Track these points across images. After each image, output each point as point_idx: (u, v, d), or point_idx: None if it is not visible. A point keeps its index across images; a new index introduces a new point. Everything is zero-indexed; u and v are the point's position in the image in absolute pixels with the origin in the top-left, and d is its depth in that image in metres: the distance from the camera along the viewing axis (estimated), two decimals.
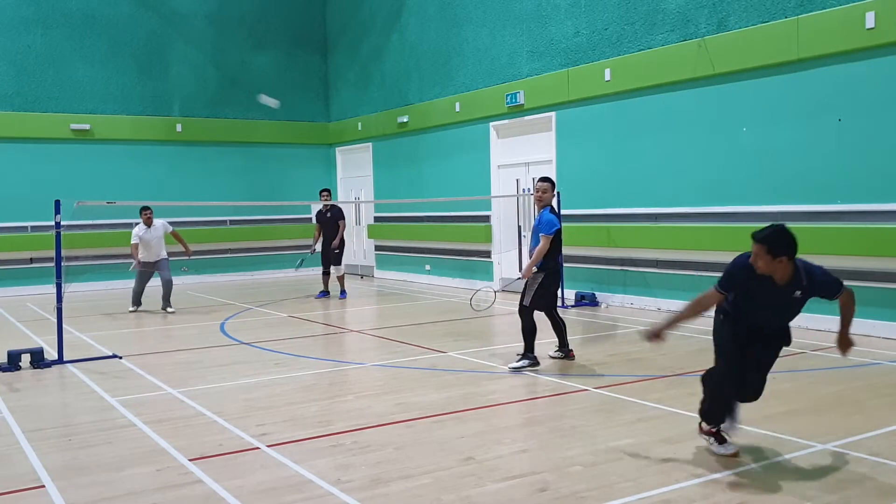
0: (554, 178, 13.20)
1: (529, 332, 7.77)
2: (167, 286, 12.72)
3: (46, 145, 16.63)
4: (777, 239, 4.47)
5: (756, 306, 4.77)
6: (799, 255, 4.57)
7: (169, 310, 12.64)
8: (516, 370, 7.63)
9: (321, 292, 14.42)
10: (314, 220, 14.91)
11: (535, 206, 8.30)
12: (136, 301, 12.97)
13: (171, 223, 13.06)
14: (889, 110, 8.94)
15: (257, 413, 6.31)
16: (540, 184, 8.01)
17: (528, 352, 7.76)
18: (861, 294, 9.17)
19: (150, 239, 12.64)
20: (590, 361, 8.08)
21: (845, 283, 4.79)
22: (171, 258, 13.05)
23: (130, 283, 13.17)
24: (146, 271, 12.81)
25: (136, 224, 12.89)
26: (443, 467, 4.87)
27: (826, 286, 4.70)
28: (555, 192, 8.14)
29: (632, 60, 11.82)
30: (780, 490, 4.34)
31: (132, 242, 12.77)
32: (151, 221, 12.65)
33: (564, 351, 8.12)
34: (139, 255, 12.70)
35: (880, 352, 8.19)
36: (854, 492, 4.31)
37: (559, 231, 7.83)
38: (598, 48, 12.45)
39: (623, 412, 6.08)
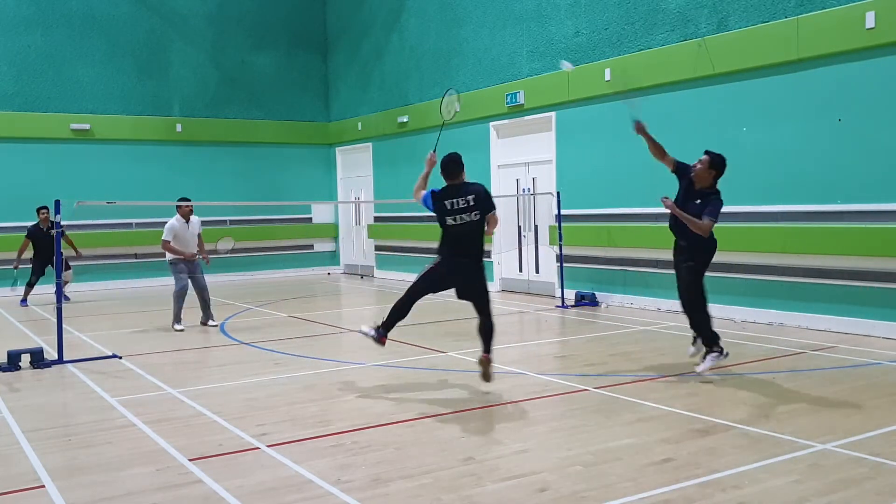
0: (554, 178, 13.37)
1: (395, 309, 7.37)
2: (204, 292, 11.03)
3: (46, 145, 16.65)
4: (718, 157, 7.64)
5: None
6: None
7: (211, 322, 11.12)
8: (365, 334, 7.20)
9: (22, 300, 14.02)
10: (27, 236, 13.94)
11: None
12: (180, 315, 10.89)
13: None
14: (889, 110, 8.93)
15: (257, 413, 6.31)
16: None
17: (382, 324, 7.24)
18: (861, 294, 9.29)
19: (189, 235, 10.88)
20: (590, 361, 8.08)
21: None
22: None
23: (130, 283, 12.51)
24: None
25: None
26: (443, 467, 4.87)
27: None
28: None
29: (632, 60, 11.82)
30: (779, 490, 4.34)
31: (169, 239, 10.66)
32: (192, 212, 10.90)
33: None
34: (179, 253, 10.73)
35: (880, 352, 8.18)
36: (854, 492, 4.30)
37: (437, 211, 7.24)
38: (598, 48, 12.45)
39: (623, 412, 6.07)
